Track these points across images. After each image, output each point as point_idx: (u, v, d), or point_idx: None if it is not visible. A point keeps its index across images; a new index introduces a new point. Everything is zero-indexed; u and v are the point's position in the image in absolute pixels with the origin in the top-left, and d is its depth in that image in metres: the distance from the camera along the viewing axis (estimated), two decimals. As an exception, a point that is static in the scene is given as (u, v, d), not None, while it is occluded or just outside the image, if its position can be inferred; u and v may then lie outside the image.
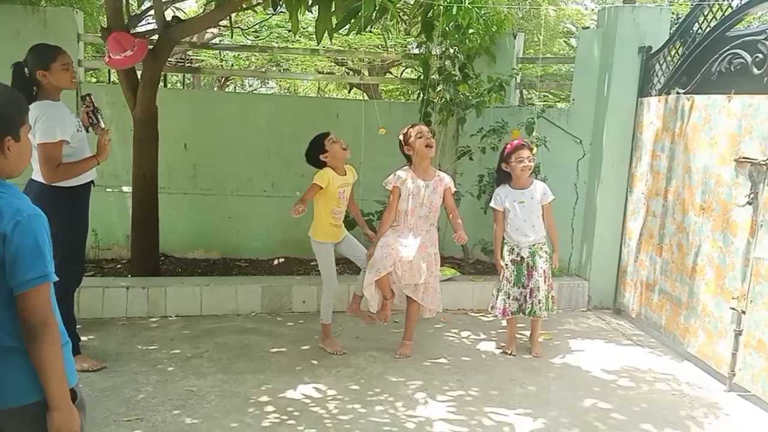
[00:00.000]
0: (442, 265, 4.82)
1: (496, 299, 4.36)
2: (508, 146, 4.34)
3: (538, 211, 4.31)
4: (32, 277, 1.71)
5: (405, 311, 4.37)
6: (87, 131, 3.86)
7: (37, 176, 3.59)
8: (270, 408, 3.45)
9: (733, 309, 3.85)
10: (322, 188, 4.06)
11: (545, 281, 4.28)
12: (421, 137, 4.12)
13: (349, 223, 4.51)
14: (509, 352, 4.37)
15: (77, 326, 3.95)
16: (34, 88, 3.58)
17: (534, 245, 4.29)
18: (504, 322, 4.51)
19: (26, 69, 3.58)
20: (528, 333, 4.56)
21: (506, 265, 4.32)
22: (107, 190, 5.81)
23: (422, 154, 4.12)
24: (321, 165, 4.14)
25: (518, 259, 4.29)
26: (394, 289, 4.24)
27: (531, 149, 4.36)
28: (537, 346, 4.44)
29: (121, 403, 3.43)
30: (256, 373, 3.89)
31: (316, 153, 4.15)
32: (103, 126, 3.80)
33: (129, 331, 4.54)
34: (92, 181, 3.86)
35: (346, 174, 4.21)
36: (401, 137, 4.21)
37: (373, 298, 4.16)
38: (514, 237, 4.30)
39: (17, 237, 1.69)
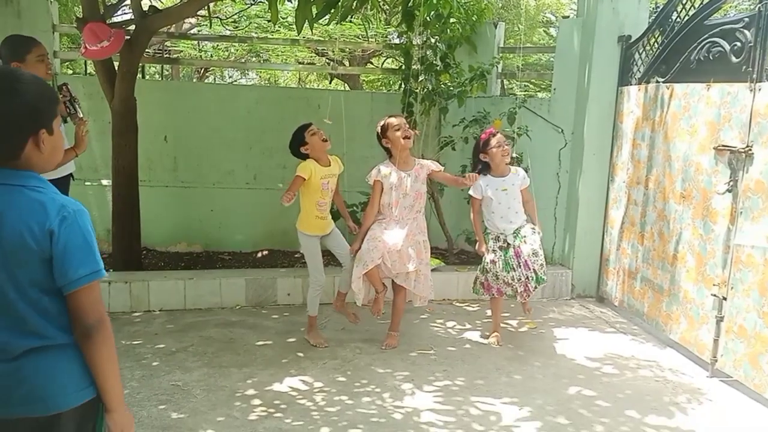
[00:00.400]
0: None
1: (483, 280, 4.37)
2: (483, 135, 4.35)
3: (519, 197, 4.34)
4: (84, 273, 1.63)
5: (392, 302, 4.37)
6: (65, 122, 3.78)
7: None
8: (257, 401, 3.44)
9: (715, 296, 3.90)
10: (305, 179, 4.03)
11: (534, 242, 4.21)
12: (398, 130, 4.10)
13: (334, 215, 4.49)
14: (495, 342, 4.38)
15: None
16: None
17: (518, 229, 4.30)
18: (488, 311, 4.53)
19: (0, 61, 3.51)
20: (511, 322, 4.57)
21: (494, 251, 4.30)
22: (86, 183, 5.73)
23: (400, 146, 4.11)
24: (304, 157, 4.12)
25: (504, 245, 4.30)
26: (385, 281, 4.24)
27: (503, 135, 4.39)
28: (529, 311, 4.56)
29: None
30: (241, 367, 3.87)
31: (297, 145, 4.13)
32: (81, 116, 3.73)
33: (112, 326, 4.46)
34: (71, 174, 3.81)
35: (330, 165, 4.18)
36: (378, 129, 4.20)
37: (360, 291, 4.14)
38: (500, 225, 4.31)
39: (65, 233, 1.61)
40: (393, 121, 4.15)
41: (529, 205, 4.42)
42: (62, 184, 3.71)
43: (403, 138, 4.09)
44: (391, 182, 4.11)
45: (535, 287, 4.22)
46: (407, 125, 4.18)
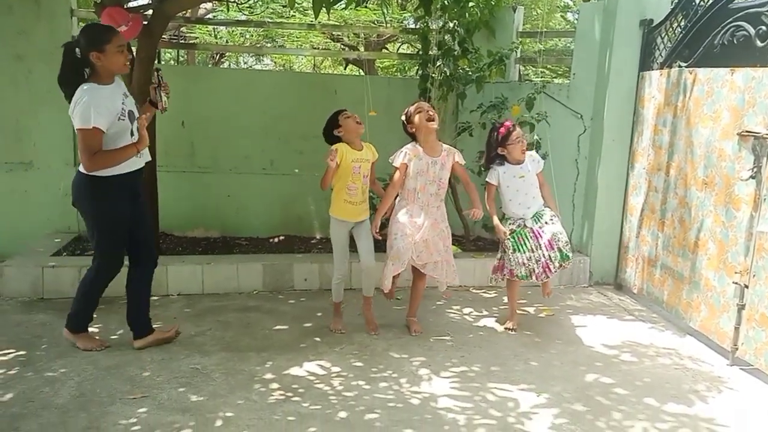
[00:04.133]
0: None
1: (497, 261, 4.38)
2: (502, 130, 4.28)
3: (536, 182, 4.32)
4: None
5: (412, 288, 4.36)
6: (157, 108, 3.79)
7: (81, 166, 3.53)
8: (275, 385, 3.46)
9: (736, 283, 3.85)
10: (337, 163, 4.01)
11: (555, 223, 4.19)
12: (421, 112, 4.07)
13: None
14: (510, 327, 4.37)
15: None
16: (86, 69, 3.44)
17: (536, 214, 4.28)
18: (506, 298, 4.51)
19: (77, 50, 3.43)
20: (528, 309, 4.55)
21: (512, 231, 4.27)
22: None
23: (426, 129, 4.05)
24: (336, 141, 4.10)
25: (523, 227, 4.26)
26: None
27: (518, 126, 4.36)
28: (549, 290, 4.50)
29: (126, 381, 3.43)
30: (259, 351, 3.89)
31: (330, 128, 4.11)
32: (164, 105, 3.71)
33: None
34: (140, 169, 3.69)
35: (362, 149, 4.16)
36: (403, 117, 4.17)
37: (388, 286, 4.11)
38: (519, 212, 4.28)
39: None
40: (416, 105, 4.13)
41: (545, 188, 4.38)
42: (126, 181, 3.59)
43: (427, 120, 4.05)
44: (417, 167, 4.06)
45: (560, 265, 4.14)
46: (430, 108, 4.15)
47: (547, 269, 4.14)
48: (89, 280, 3.74)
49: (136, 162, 3.62)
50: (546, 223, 4.21)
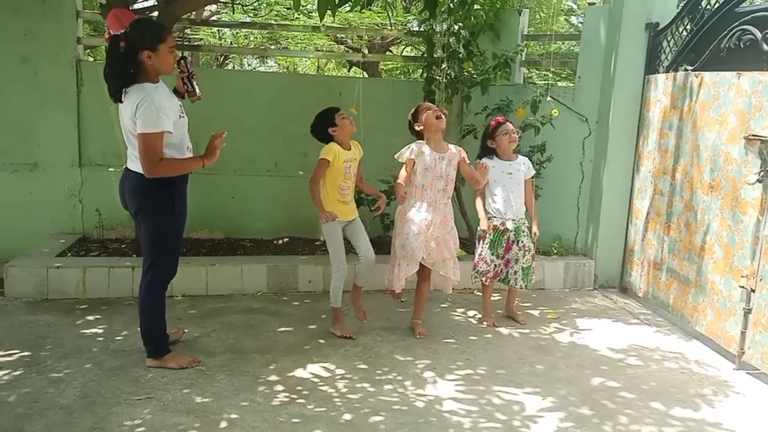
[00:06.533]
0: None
1: (482, 264, 4.45)
2: (492, 122, 4.45)
3: (522, 184, 4.42)
4: None
5: (416, 290, 4.36)
6: (182, 98, 3.66)
7: (135, 166, 3.39)
8: (279, 387, 3.45)
9: (743, 287, 3.84)
10: (329, 162, 4.02)
11: (524, 255, 4.37)
12: (429, 110, 4.09)
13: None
14: (486, 323, 4.48)
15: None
16: (132, 69, 3.28)
17: (518, 219, 4.37)
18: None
19: (122, 45, 3.26)
20: (533, 312, 4.54)
21: (495, 228, 4.37)
22: (109, 169, 5.75)
23: (435, 126, 4.07)
24: (327, 139, 4.10)
25: (502, 228, 4.35)
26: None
27: (514, 125, 4.48)
28: (517, 315, 4.61)
29: (131, 382, 3.42)
30: (264, 353, 3.89)
31: (324, 126, 4.09)
32: (198, 94, 3.64)
33: (135, 310, 4.46)
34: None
35: (351, 149, 4.17)
36: (410, 116, 4.18)
37: (401, 286, 4.14)
38: (501, 209, 4.36)
39: None
40: (423, 104, 4.16)
41: (530, 198, 4.49)
42: (182, 181, 3.58)
43: (436, 117, 4.05)
44: (425, 162, 4.06)
45: (521, 285, 4.44)
46: (439, 107, 4.17)
47: (493, 277, 4.45)
48: (146, 296, 3.57)
49: None
50: (520, 248, 4.37)
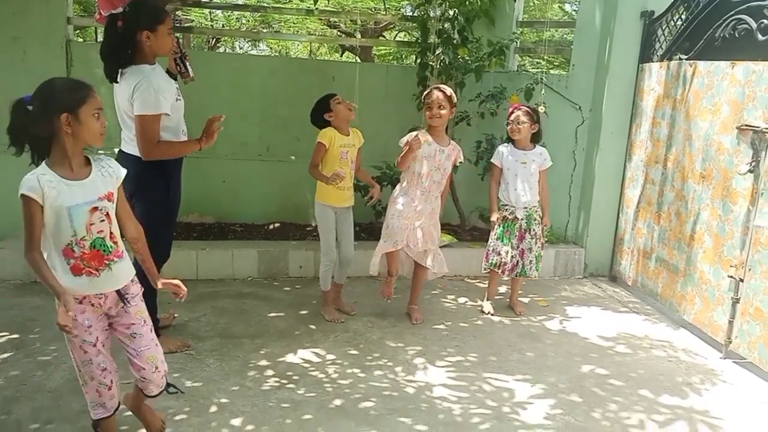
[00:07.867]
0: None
1: (493, 255, 4.43)
2: (509, 109, 4.44)
3: (536, 175, 4.37)
4: None
5: (413, 276, 4.37)
6: (175, 79, 3.61)
7: (129, 149, 3.33)
8: (269, 372, 3.45)
9: (731, 277, 3.86)
10: (326, 146, 4.00)
11: (536, 243, 4.38)
12: (430, 109, 4.03)
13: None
14: (486, 311, 4.49)
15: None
16: (129, 49, 3.22)
17: (530, 208, 4.33)
18: (501, 288, 4.53)
19: (120, 24, 3.20)
20: (523, 299, 4.56)
21: (504, 219, 4.36)
22: (99, 152, 5.68)
23: (428, 123, 4.11)
24: (324, 125, 4.08)
25: (512, 218, 4.33)
26: (404, 255, 4.28)
27: (529, 113, 4.35)
28: (519, 305, 4.60)
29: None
30: (254, 338, 3.88)
31: (320, 112, 4.09)
32: (191, 74, 3.60)
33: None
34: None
35: (349, 135, 4.15)
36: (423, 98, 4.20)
37: (375, 265, 4.15)
38: (512, 197, 4.33)
39: None
40: (429, 96, 4.07)
41: (543, 189, 4.43)
42: (176, 164, 3.55)
43: (429, 117, 4.05)
44: (426, 151, 4.05)
45: (518, 274, 4.43)
46: (440, 105, 4.02)
47: (513, 268, 4.38)
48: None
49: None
50: (532, 236, 4.36)
